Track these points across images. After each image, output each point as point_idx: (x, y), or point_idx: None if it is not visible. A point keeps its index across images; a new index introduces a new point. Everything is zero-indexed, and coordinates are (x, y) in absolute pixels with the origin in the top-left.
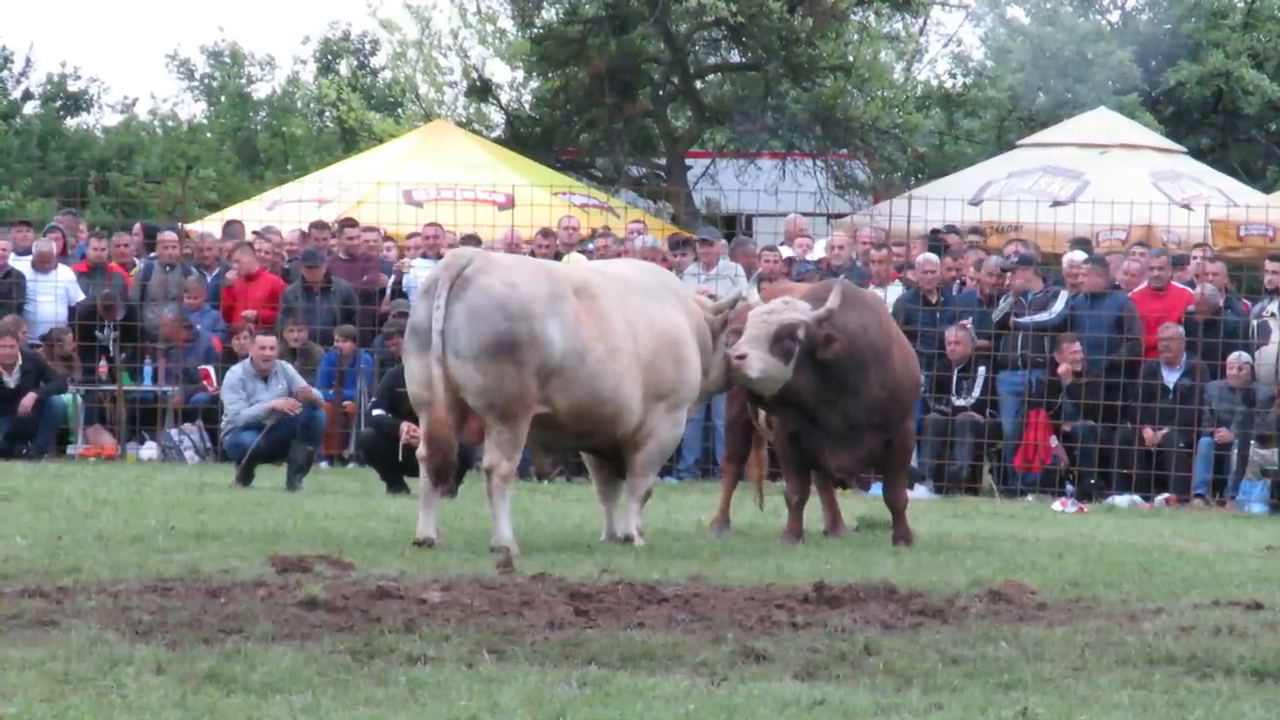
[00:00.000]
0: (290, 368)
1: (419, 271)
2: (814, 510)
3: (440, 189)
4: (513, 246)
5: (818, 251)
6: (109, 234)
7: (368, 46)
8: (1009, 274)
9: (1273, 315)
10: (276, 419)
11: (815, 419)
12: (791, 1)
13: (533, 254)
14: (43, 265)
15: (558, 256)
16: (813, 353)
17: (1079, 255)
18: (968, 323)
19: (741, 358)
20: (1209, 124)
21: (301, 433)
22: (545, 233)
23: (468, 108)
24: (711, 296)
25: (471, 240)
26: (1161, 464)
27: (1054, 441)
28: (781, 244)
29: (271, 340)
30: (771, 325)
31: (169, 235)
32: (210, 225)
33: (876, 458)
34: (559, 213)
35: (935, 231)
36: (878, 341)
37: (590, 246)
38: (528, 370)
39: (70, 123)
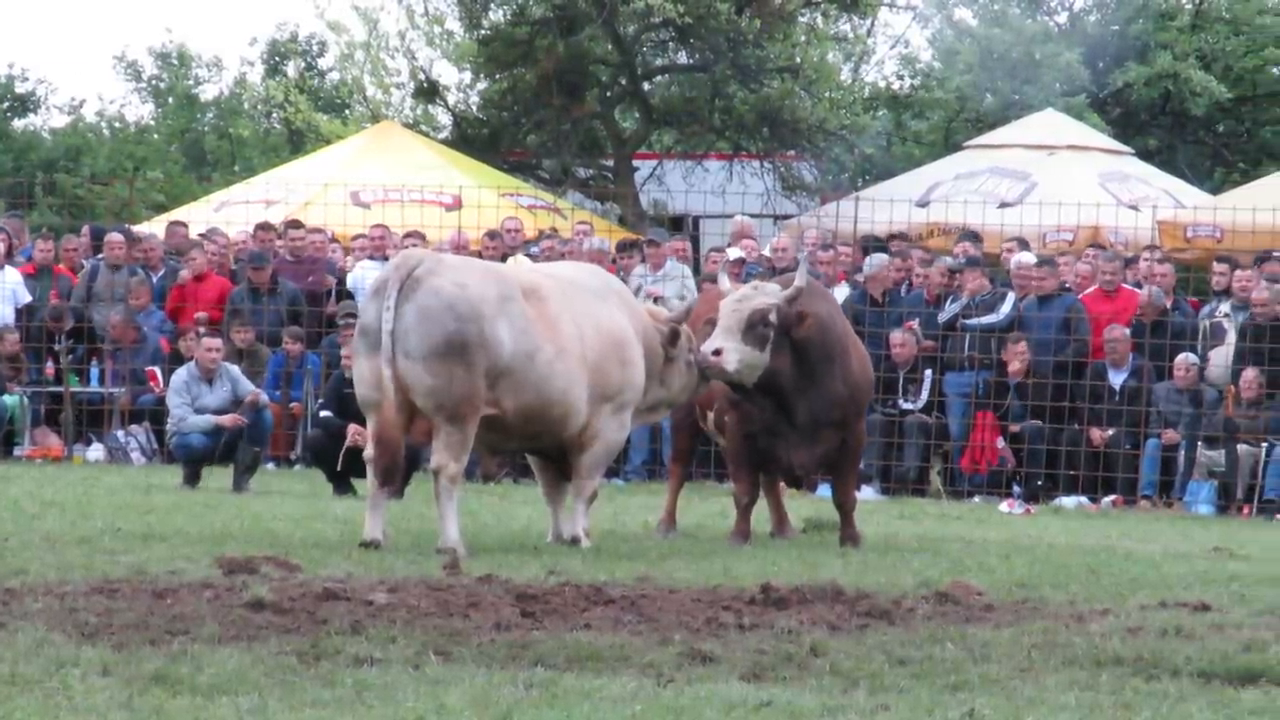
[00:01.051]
0: (236, 370)
1: (365, 273)
2: (760, 512)
3: (388, 190)
4: (459, 248)
5: (763, 252)
6: (57, 235)
7: (315, 48)
8: (958, 275)
9: (1226, 316)
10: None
11: (786, 409)
12: (739, 3)
13: (480, 256)
14: None
15: (503, 258)
16: (788, 334)
17: (1028, 257)
18: (914, 324)
19: (717, 353)
20: (1157, 125)
21: (248, 434)
22: (491, 234)
23: (415, 109)
24: (658, 299)
25: (415, 238)
26: (1109, 465)
27: (1001, 443)
28: (729, 245)
29: (218, 342)
30: (743, 313)
31: (115, 236)
32: (157, 226)
33: (832, 457)
34: (506, 214)
35: (876, 239)
36: (841, 334)
37: (534, 250)
38: (477, 371)
39: (17, 124)
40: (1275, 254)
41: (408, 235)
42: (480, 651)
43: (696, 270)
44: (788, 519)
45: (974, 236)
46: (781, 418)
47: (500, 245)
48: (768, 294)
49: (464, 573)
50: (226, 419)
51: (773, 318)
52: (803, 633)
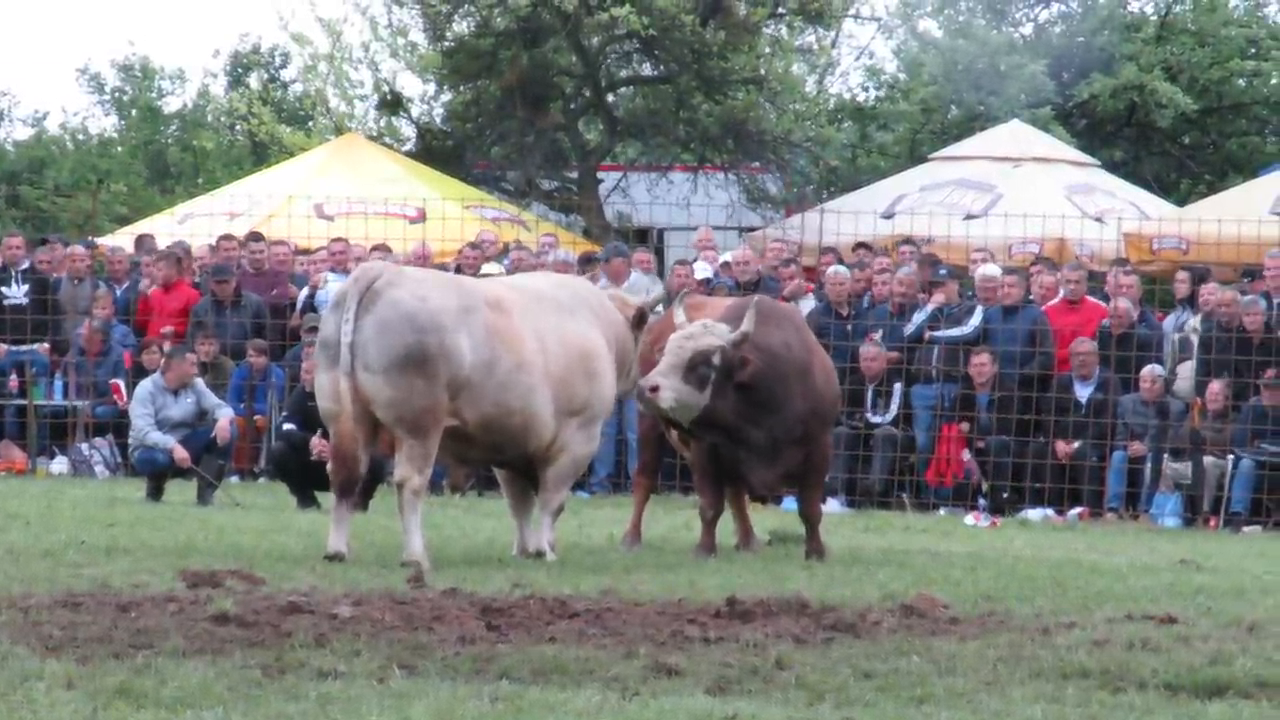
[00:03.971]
0: (201, 383)
1: (333, 286)
2: (725, 524)
3: (351, 202)
4: (422, 260)
5: (720, 262)
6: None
7: (278, 60)
8: (932, 287)
9: (1195, 330)
10: (183, 436)
11: (738, 438)
12: (704, 15)
13: (459, 269)
14: None
15: (465, 270)
16: (730, 377)
17: (994, 269)
18: (876, 335)
19: (655, 389)
20: (1122, 137)
21: (213, 446)
22: (473, 245)
23: (379, 121)
24: None
25: (382, 251)
26: (1075, 478)
27: (967, 455)
28: (695, 260)
29: (195, 357)
30: (685, 353)
31: (78, 249)
32: (121, 239)
33: (796, 472)
34: (470, 226)
35: (858, 246)
36: (799, 356)
37: (506, 261)
38: (438, 383)
39: None
40: (1264, 270)
41: (375, 248)
42: (445, 665)
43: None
44: (753, 532)
45: (935, 260)
46: (735, 443)
47: (480, 255)
48: (715, 334)
49: (429, 586)
50: (179, 454)
51: (716, 359)
52: (768, 646)
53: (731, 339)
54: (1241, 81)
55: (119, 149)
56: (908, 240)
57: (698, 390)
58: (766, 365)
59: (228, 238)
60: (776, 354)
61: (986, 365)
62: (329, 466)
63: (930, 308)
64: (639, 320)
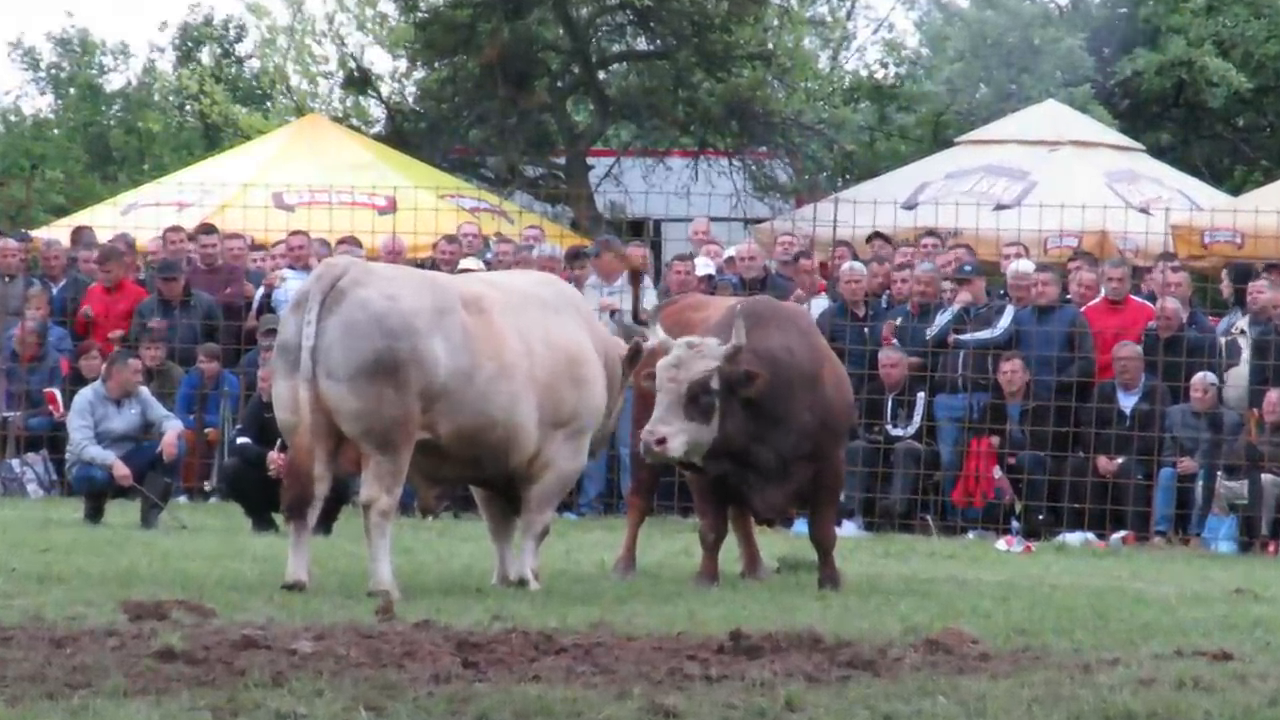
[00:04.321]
0: (146, 392)
1: (292, 285)
2: (730, 549)
3: (314, 191)
4: (393, 255)
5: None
6: None
7: (233, 33)
8: (955, 286)
9: (1242, 332)
10: (126, 451)
11: (745, 461)
12: None
13: (434, 265)
14: None
15: (440, 266)
16: (734, 394)
17: (1027, 265)
18: (891, 336)
19: (661, 442)
20: (1169, 118)
21: (158, 463)
22: (450, 239)
23: (344, 101)
24: (614, 313)
25: (351, 244)
26: (1118, 497)
27: (998, 472)
28: (697, 255)
29: (138, 364)
30: (680, 386)
31: (10, 243)
32: (58, 231)
33: (806, 492)
34: (447, 218)
35: (872, 236)
36: (805, 363)
37: (489, 255)
38: (409, 392)
39: None
40: None
41: (341, 242)
42: (417, 706)
43: (658, 280)
44: (760, 557)
45: (934, 234)
46: (744, 466)
47: (459, 250)
48: (705, 354)
49: (398, 618)
50: (120, 471)
51: (714, 384)
52: (777, 685)
53: (724, 352)
54: None
55: (55, 131)
56: (930, 233)
57: (704, 424)
58: (770, 374)
59: (176, 230)
60: (779, 360)
61: (1019, 372)
62: (285, 482)
63: (956, 308)
64: (634, 357)
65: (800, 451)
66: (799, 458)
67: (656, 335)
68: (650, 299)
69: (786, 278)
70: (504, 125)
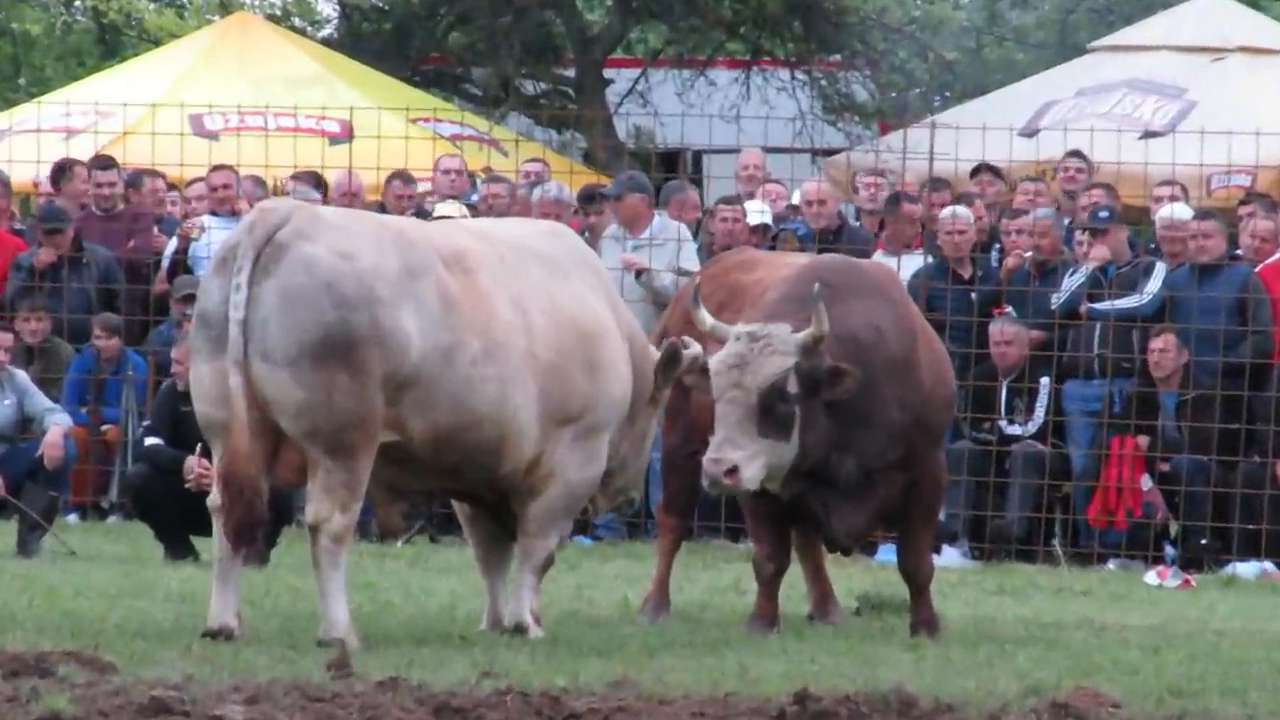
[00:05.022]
0: (24, 378)
1: (216, 236)
2: (795, 583)
3: (245, 114)
4: (349, 199)
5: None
6: None
7: None
8: (1090, 239)
9: None
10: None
11: (825, 476)
12: None
13: (410, 207)
14: None
15: (420, 213)
16: (817, 394)
17: (1184, 211)
18: (1008, 308)
19: (732, 472)
20: None
21: (39, 471)
22: (404, 177)
23: None
24: (641, 274)
25: (304, 182)
26: None
27: (1147, 483)
28: (747, 195)
29: (9, 339)
30: (751, 396)
31: None
32: None
33: (894, 509)
34: (419, 148)
35: (978, 170)
36: (896, 344)
37: (474, 198)
38: (370, 380)
39: None
40: None
41: (296, 178)
42: None
43: (697, 233)
44: (833, 595)
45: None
46: (821, 483)
47: (431, 194)
48: (776, 348)
49: (357, 675)
50: None
51: (793, 388)
52: None
53: (802, 342)
54: None
55: None
56: (1075, 153)
57: (782, 440)
58: (853, 363)
59: (66, 165)
60: (863, 346)
61: (1172, 352)
62: (215, 500)
63: (1090, 267)
64: (672, 361)
65: (888, 459)
66: (887, 467)
67: (703, 321)
68: (689, 257)
69: (867, 230)
70: (494, 26)
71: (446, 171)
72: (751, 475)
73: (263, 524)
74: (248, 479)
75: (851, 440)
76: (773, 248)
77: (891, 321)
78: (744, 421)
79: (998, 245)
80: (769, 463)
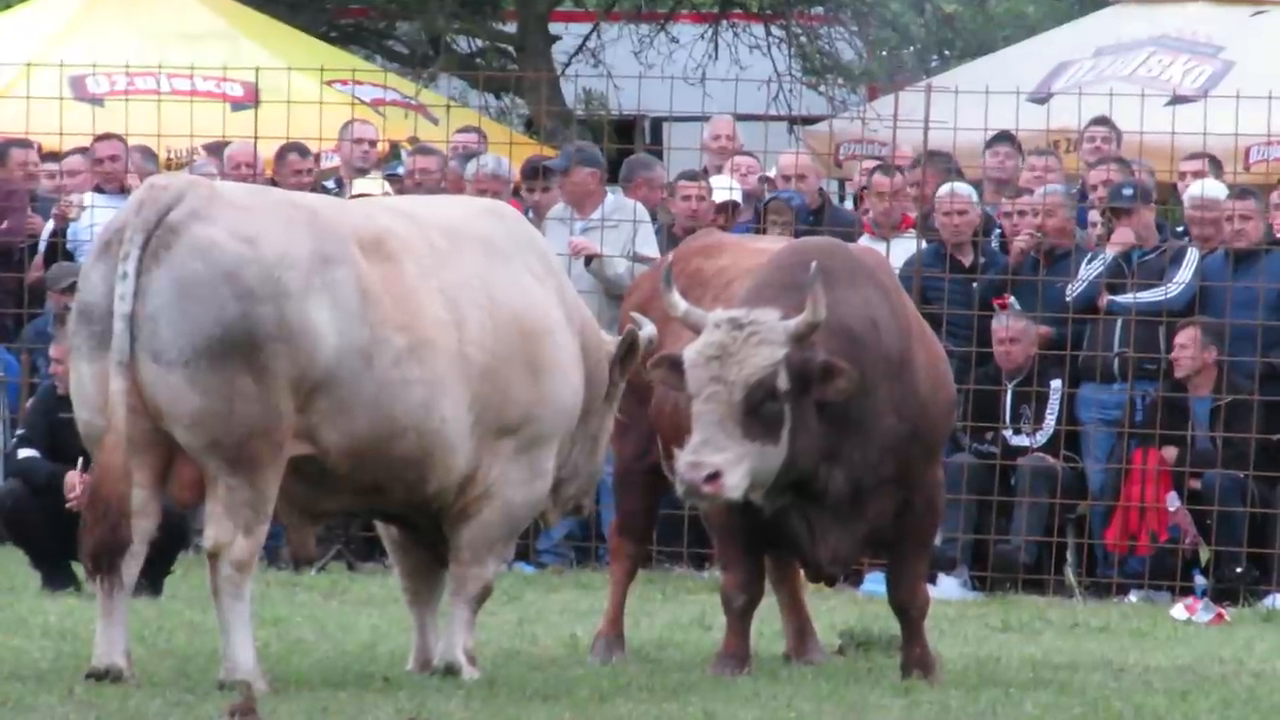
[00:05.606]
0: None
1: (100, 216)
2: (769, 617)
3: (133, 75)
4: (253, 173)
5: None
6: None
7: None
8: (1110, 220)
9: None
10: None
11: (813, 490)
12: None
13: (308, 185)
14: None
15: (318, 186)
16: (806, 392)
17: (1217, 188)
18: (1010, 299)
19: (714, 479)
20: None
21: None
22: (301, 150)
23: None
24: (591, 261)
25: (211, 157)
26: None
27: (1174, 502)
28: (714, 169)
29: None
30: (735, 392)
31: None
32: None
33: (883, 532)
34: (334, 114)
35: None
36: (891, 340)
37: (399, 169)
38: (276, 384)
39: None
40: None
41: (208, 148)
42: None
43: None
44: (813, 631)
45: (1105, 123)
46: (806, 498)
47: (319, 169)
48: (763, 337)
49: None
50: None
51: (783, 383)
52: None
53: (792, 331)
54: None
55: None
56: (1101, 120)
57: (770, 443)
58: (847, 360)
59: None
60: (858, 340)
61: (1193, 349)
62: (85, 518)
63: (1109, 253)
64: (628, 353)
65: (880, 473)
66: (878, 482)
67: (676, 306)
68: (647, 241)
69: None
70: None
71: (358, 141)
72: (735, 483)
73: (126, 548)
74: (115, 498)
75: (840, 450)
76: (760, 224)
77: (886, 314)
78: (726, 421)
79: (999, 228)
80: (755, 468)
